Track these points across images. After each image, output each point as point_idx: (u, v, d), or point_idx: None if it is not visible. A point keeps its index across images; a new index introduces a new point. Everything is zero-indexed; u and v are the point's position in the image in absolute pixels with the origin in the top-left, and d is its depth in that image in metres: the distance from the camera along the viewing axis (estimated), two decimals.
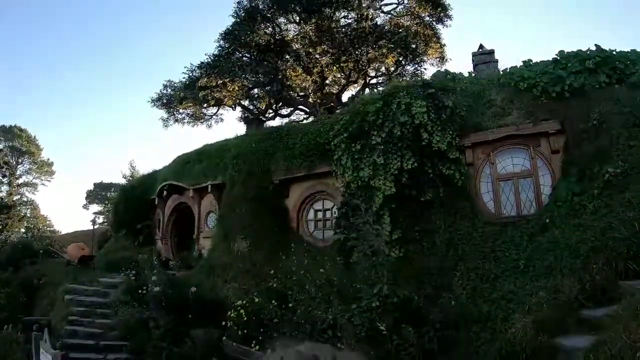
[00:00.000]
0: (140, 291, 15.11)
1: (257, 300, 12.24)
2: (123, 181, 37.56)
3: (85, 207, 62.30)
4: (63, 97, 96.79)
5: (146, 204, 22.33)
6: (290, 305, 10.77)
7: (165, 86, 26.15)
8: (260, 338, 11.37)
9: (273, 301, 11.47)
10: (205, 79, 22.34)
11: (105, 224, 40.71)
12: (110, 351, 13.04)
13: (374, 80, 26.29)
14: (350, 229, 12.68)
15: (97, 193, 59.82)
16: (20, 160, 54.98)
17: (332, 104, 22.74)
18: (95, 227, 33.91)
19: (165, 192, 20.29)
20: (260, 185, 15.77)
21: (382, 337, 8.42)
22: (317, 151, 14.67)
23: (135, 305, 14.62)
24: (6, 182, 50.85)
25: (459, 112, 12.77)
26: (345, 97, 25.48)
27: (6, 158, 51.16)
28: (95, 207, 59.03)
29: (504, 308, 10.10)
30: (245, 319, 11.94)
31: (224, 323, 12.47)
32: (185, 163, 20.26)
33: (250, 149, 16.47)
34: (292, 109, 26.33)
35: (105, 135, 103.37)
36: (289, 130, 16.39)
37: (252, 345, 11.33)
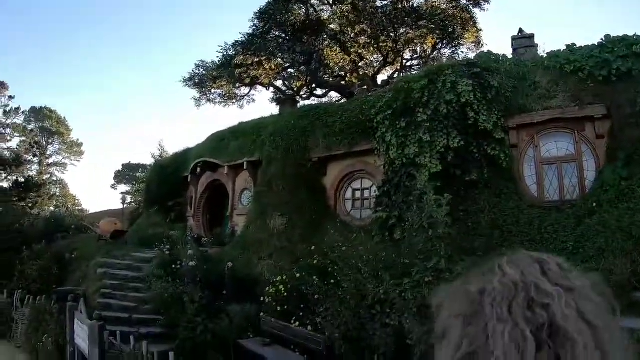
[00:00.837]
0: (174, 266, 14.90)
1: (297, 275, 11.91)
2: (151, 161, 37.37)
3: (113, 187, 62.72)
4: (90, 79, 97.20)
5: (179, 181, 22.12)
6: (332, 281, 10.42)
7: (197, 66, 25.85)
8: (301, 314, 11.07)
9: (314, 277, 11.11)
10: (242, 57, 22.01)
11: (134, 203, 40.72)
12: (144, 325, 12.70)
13: (409, 63, 25.74)
14: (393, 207, 12.39)
15: (125, 173, 59.94)
16: (50, 141, 55.03)
17: (366, 86, 22.25)
18: (124, 206, 33.92)
19: (198, 169, 20.00)
20: (298, 163, 15.45)
21: (432, 313, 7.99)
22: (358, 129, 14.29)
23: (169, 280, 14.39)
24: (36, 161, 51.06)
25: (504, 93, 12.38)
26: (379, 80, 24.97)
27: (37, 138, 51.38)
28: (124, 187, 59.26)
29: None
30: (285, 294, 11.62)
31: (262, 298, 12.19)
32: (220, 140, 19.94)
33: (288, 126, 16.12)
34: (325, 90, 25.89)
35: (133, 117, 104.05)
36: (328, 108, 16.04)
37: (292, 321, 11.03)
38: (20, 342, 13.67)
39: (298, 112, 16.95)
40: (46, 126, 54.23)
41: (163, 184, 22.24)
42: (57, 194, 53.35)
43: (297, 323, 10.84)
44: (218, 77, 24.23)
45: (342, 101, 22.40)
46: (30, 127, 52.26)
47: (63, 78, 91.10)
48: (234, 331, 11.75)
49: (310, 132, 15.56)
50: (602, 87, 11.66)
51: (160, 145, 47.93)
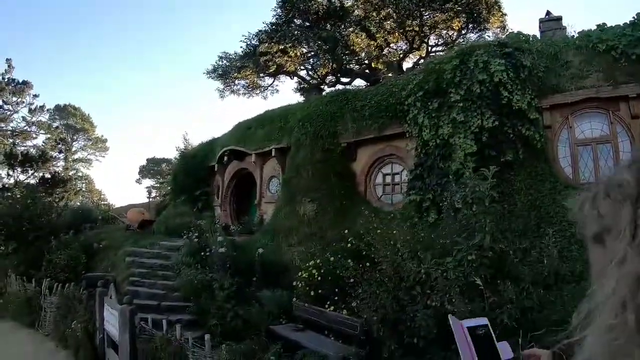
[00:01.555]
0: (202, 253, 14.68)
1: (331, 259, 11.55)
2: (176, 155, 37.20)
3: (138, 181, 62.97)
4: (110, 75, 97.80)
5: (205, 171, 21.93)
6: (368, 264, 10.06)
7: (220, 58, 25.63)
8: (336, 298, 10.72)
9: (349, 260, 10.76)
10: (267, 45, 21.74)
11: (158, 197, 40.68)
12: (173, 312, 12.41)
13: (434, 49, 25.25)
14: (427, 189, 12.11)
15: (150, 168, 60.09)
16: (75, 137, 55.30)
17: (391, 73, 21.87)
18: (150, 199, 33.82)
19: (225, 158, 19.74)
20: (327, 148, 15.09)
21: (476, 293, 7.70)
22: (388, 112, 13.92)
23: (198, 267, 14.18)
24: (62, 157, 51.25)
25: (537, 73, 11.92)
26: (405, 67, 24.53)
27: (62, 135, 51.57)
28: (148, 182, 59.48)
29: None
30: (319, 278, 11.26)
31: (295, 283, 11.88)
32: (246, 129, 19.61)
33: (316, 111, 15.73)
34: (350, 78, 25.52)
35: (157, 113, 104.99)
36: (357, 93, 15.66)
37: (326, 306, 10.69)
38: (48, 330, 13.48)
39: (326, 98, 16.54)
40: (71, 123, 54.52)
41: (190, 173, 21.99)
42: (83, 189, 53.54)
43: (332, 307, 10.49)
44: (242, 67, 23.96)
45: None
46: (55, 124, 52.44)
47: (86, 75, 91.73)
48: (265, 317, 11.42)
49: (339, 117, 15.18)
50: (636, 66, 11.20)
51: (184, 137, 47.54)
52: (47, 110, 49.44)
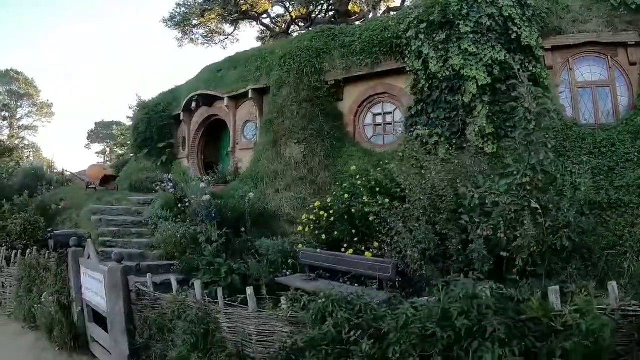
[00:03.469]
0: (180, 205, 12.86)
1: (345, 196, 9.92)
2: (129, 113, 33.97)
3: (87, 147, 59.42)
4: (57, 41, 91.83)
5: (169, 121, 19.68)
6: (387, 200, 8.43)
7: (178, 5, 23.26)
8: (356, 239, 9.18)
9: (365, 197, 9.16)
10: None
11: (109, 162, 37.99)
12: (155, 273, 10.09)
13: None
14: (433, 124, 10.81)
15: (99, 132, 56.59)
16: (19, 104, 51.30)
17: (359, 21, 20.16)
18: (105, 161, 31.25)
19: (193, 104, 17.47)
20: (313, 86, 13.21)
21: (532, 217, 6.41)
22: (382, 47, 12.25)
23: (178, 220, 12.32)
24: (7, 125, 47.43)
25: (540, 14, 11.19)
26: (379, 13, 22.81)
27: (6, 101, 47.67)
28: (98, 147, 56.03)
29: (637, 194, 9.12)
30: (331, 219, 9.66)
31: (300, 227, 10.34)
32: (216, 71, 17.41)
33: (300, 47, 13.72)
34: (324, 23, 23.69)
35: (105, 74, 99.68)
36: (344, 29, 13.82)
37: (343, 249, 9.16)
38: (10, 309, 10.90)
39: (310, 34, 14.46)
40: (14, 89, 50.42)
41: (152, 125, 19.57)
42: (31, 158, 49.77)
43: (350, 251, 8.96)
44: (206, 10, 21.62)
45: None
46: None
47: (26, 35, 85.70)
48: (264, 269, 9.74)
49: (325, 53, 13.34)
50: (635, 15, 10.94)
51: (137, 95, 44.15)
52: None
